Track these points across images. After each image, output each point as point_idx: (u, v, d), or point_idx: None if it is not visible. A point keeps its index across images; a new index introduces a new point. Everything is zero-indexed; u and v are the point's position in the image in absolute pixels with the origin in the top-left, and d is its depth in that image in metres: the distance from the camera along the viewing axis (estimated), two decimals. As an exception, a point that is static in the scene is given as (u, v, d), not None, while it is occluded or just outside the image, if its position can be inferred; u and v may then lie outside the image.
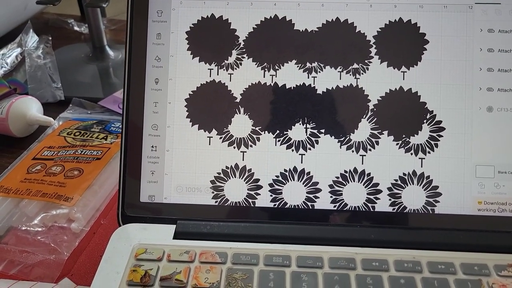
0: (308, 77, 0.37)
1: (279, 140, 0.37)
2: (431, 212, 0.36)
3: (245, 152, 0.37)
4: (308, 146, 0.37)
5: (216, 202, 0.37)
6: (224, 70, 0.38)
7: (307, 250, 0.35)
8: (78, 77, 0.65)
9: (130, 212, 0.37)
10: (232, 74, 0.38)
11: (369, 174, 0.36)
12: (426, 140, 0.36)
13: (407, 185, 0.36)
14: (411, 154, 0.36)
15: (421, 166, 0.36)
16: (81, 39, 0.79)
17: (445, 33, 0.37)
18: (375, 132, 0.37)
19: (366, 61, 0.37)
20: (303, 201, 0.37)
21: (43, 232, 0.39)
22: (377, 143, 0.37)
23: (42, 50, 0.69)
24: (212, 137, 0.37)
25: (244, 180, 0.37)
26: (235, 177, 0.37)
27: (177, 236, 0.36)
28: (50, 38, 0.72)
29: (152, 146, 0.38)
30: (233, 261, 0.34)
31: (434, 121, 0.36)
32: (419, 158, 0.36)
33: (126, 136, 0.38)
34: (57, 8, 0.70)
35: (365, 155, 0.37)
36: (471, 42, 0.37)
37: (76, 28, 0.80)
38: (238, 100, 0.37)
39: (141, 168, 0.38)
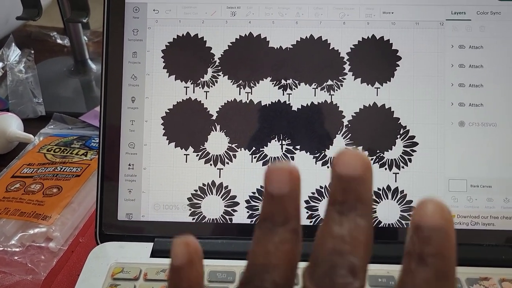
0: (283, 94, 0.38)
1: (255, 157, 0.37)
2: (405, 226, 0.37)
3: (222, 169, 0.37)
4: (284, 162, 0.37)
5: (193, 219, 0.37)
6: (200, 88, 0.38)
7: (284, 266, 0.35)
8: (60, 91, 0.65)
9: (107, 231, 0.37)
10: (208, 91, 0.38)
11: (344, 189, 0.37)
12: (400, 155, 0.37)
13: (382, 200, 0.37)
14: (385, 169, 0.37)
15: (395, 181, 0.37)
16: (64, 52, 0.78)
17: (417, 50, 0.37)
18: (350, 147, 0.37)
19: (340, 77, 0.38)
20: (280, 217, 0.37)
21: (20, 252, 0.38)
22: (352, 158, 0.37)
23: (24, 64, 0.68)
24: (188, 154, 0.38)
25: (221, 197, 0.37)
26: (212, 194, 0.37)
27: (154, 254, 0.36)
28: (33, 52, 0.71)
29: (129, 164, 0.38)
30: (209, 279, 0.34)
31: (408, 136, 0.37)
32: (393, 173, 0.37)
33: (103, 154, 0.38)
34: (40, 21, 0.70)
35: (340, 171, 0.37)
36: (442, 58, 0.37)
37: (59, 40, 0.80)
38: (214, 118, 0.38)
39: (118, 186, 0.38)
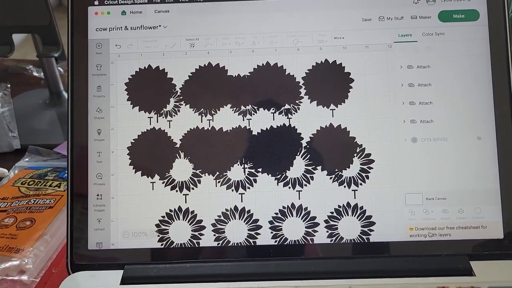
0: (243, 120, 0.39)
1: (219, 181, 0.39)
2: (366, 240, 0.38)
3: (187, 194, 0.39)
4: (247, 185, 0.39)
5: (162, 245, 0.38)
6: (163, 117, 0.39)
7: (250, 286, 0.36)
8: (36, 123, 0.66)
9: (78, 260, 0.38)
10: (171, 121, 0.39)
11: (306, 208, 0.38)
12: (358, 173, 0.39)
13: (343, 217, 0.38)
14: (344, 186, 0.38)
15: (355, 198, 0.38)
16: (41, 85, 0.80)
17: (369, 71, 0.39)
18: (309, 168, 0.39)
19: (296, 101, 0.39)
20: (245, 238, 0.38)
21: (-7, 286, 0.39)
22: (312, 178, 0.39)
23: (1, 99, 0.70)
24: (155, 182, 0.39)
25: (188, 222, 0.38)
26: (179, 219, 0.38)
27: (124, 281, 0.37)
28: (9, 86, 0.73)
29: (98, 195, 0.39)
30: (177, 303, 0.35)
31: (364, 154, 0.39)
32: (352, 190, 0.38)
33: (72, 186, 0.39)
34: (17, 55, 0.71)
35: (301, 191, 0.38)
36: (392, 78, 0.39)
37: (35, 73, 0.82)
38: (178, 145, 0.39)
39: (87, 217, 0.39)
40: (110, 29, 0.40)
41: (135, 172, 0.39)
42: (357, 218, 0.38)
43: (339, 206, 0.38)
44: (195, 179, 0.39)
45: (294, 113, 0.39)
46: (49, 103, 0.70)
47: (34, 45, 0.67)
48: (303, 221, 0.38)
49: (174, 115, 0.39)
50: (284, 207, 0.38)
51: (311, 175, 0.39)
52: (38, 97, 0.73)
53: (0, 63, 0.86)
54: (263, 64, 0.40)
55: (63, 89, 0.70)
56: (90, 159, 0.39)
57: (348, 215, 0.38)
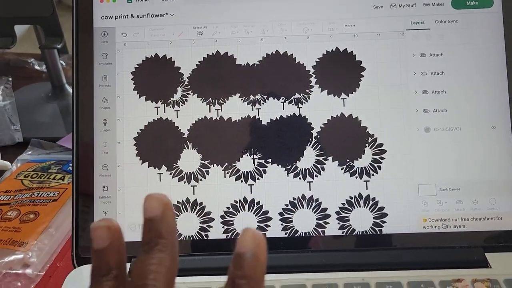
0: (253, 109, 0.38)
1: (228, 172, 0.38)
2: (379, 232, 0.37)
3: (196, 186, 0.38)
4: (257, 176, 0.38)
5: (169, 237, 0.37)
6: (170, 107, 0.39)
7: (260, 279, 0.35)
8: (38, 117, 0.65)
9: (84, 254, 0.37)
10: (179, 110, 0.39)
11: (317, 199, 0.37)
12: (370, 163, 0.38)
13: (354, 208, 0.37)
14: (356, 177, 0.38)
15: (366, 189, 0.37)
16: (42, 78, 0.79)
17: (380, 60, 0.38)
18: (320, 158, 0.38)
19: (307, 90, 0.38)
20: (255, 231, 0.37)
21: (-3, 280, 0.38)
22: (323, 169, 0.38)
23: (2, 92, 0.69)
24: (162, 173, 0.38)
25: (196, 214, 0.38)
26: (187, 211, 0.38)
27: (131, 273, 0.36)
28: (10, 79, 0.72)
29: (104, 186, 0.38)
30: (186, 296, 0.34)
31: (376, 144, 0.38)
32: (364, 181, 0.38)
33: (77, 178, 0.38)
34: (18, 48, 0.70)
35: (312, 182, 0.38)
36: (405, 67, 0.38)
37: (36, 67, 0.81)
38: (185, 136, 0.38)
39: (93, 209, 0.38)
40: (116, 17, 0.39)
41: (142, 163, 0.38)
42: (369, 209, 0.37)
43: (351, 197, 0.37)
44: (203, 170, 0.38)
45: (304, 103, 0.38)
46: (51, 96, 0.69)
47: (36, 37, 0.66)
48: (314, 212, 0.37)
49: (181, 105, 0.39)
50: (294, 199, 0.37)
51: (322, 165, 0.38)
52: (40, 90, 0.72)
53: (1, 56, 0.85)
54: (272, 52, 0.39)
55: (66, 82, 0.69)
56: (95, 150, 0.38)
57: (360, 206, 0.37)
